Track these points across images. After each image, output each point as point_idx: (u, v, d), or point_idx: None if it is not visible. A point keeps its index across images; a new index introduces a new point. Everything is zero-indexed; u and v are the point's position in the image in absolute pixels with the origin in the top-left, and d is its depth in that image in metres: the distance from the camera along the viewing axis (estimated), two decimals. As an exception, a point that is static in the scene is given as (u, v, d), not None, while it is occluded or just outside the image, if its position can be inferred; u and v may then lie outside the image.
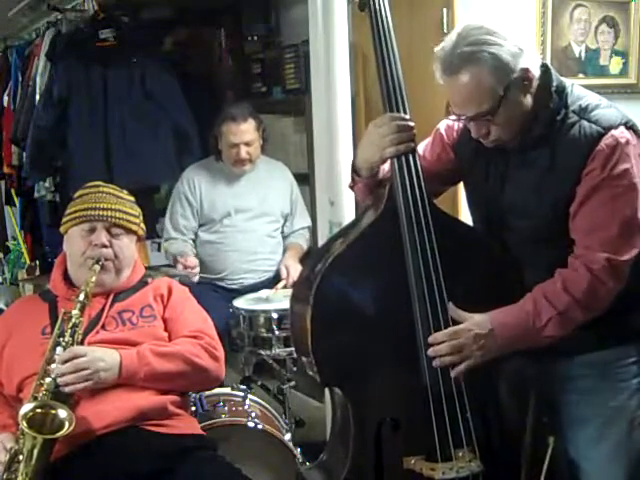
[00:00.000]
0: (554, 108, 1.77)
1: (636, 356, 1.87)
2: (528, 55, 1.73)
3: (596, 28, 3.12)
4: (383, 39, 1.87)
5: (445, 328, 1.79)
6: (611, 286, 1.72)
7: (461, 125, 1.94)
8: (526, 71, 1.72)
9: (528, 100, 1.76)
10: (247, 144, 3.37)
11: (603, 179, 1.70)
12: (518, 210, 1.84)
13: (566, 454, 1.92)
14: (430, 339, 1.79)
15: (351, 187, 2.01)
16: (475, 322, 1.77)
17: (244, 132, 3.36)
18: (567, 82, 1.82)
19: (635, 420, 1.88)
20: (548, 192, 1.77)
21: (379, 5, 1.89)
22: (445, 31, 2.95)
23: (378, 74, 1.88)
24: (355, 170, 1.92)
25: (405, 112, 1.85)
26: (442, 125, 2.04)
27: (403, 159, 1.83)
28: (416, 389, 1.81)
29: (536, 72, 1.75)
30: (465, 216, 2.93)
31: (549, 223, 1.79)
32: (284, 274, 3.33)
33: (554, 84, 1.78)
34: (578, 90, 1.81)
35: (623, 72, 3.21)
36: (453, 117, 1.83)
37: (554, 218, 1.77)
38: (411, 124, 1.83)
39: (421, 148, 2.02)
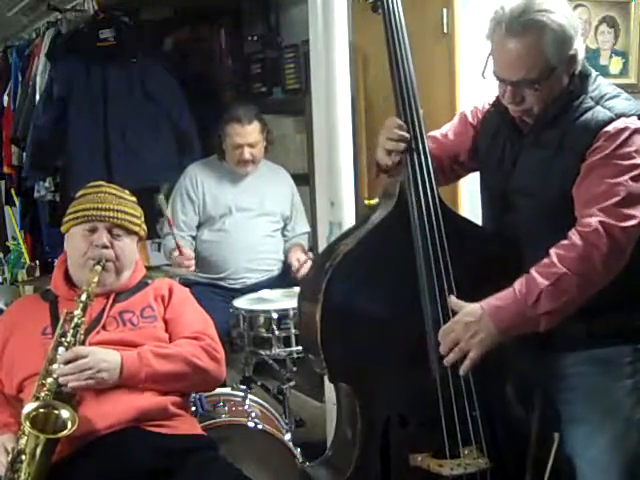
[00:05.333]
0: (573, 91, 1.80)
1: (631, 356, 1.86)
2: (580, 38, 1.78)
3: (596, 28, 3.11)
4: (397, 40, 1.90)
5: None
6: (605, 252, 1.68)
7: (487, 107, 2.00)
8: (577, 51, 1.77)
9: (566, 80, 1.80)
10: (251, 145, 3.39)
11: (606, 156, 1.71)
12: (525, 189, 1.86)
13: (563, 452, 1.91)
14: (439, 338, 1.80)
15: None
16: (466, 311, 1.77)
17: (249, 134, 3.38)
18: (593, 72, 1.85)
19: (631, 419, 1.87)
20: (555, 171, 1.79)
21: (392, 6, 1.91)
22: (445, 31, 2.95)
23: (391, 74, 1.91)
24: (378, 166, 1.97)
25: (417, 111, 1.89)
26: (469, 107, 2.09)
27: (415, 156, 1.87)
28: (425, 386, 1.82)
29: (581, 55, 1.79)
30: (465, 216, 2.93)
31: (555, 203, 1.80)
32: (296, 265, 3.35)
33: (579, 68, 1.81)
34: (602, 80, 1.85)
35: (623, 72, 3.20)
36: (491, 78, 1.84)
37: (560, 198, 1.78)
38: (405, 134, 1.87)
39: (445, 128, 2.10)
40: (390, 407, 1.87)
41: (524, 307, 1.72)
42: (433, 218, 1.84)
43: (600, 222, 1.69)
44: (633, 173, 1.71)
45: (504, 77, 1.79)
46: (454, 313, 1.79)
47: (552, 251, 1.73)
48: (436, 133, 2.11)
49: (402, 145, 1.87)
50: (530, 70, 1.74)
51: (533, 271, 1.74)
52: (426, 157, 1.87)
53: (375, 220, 1.92)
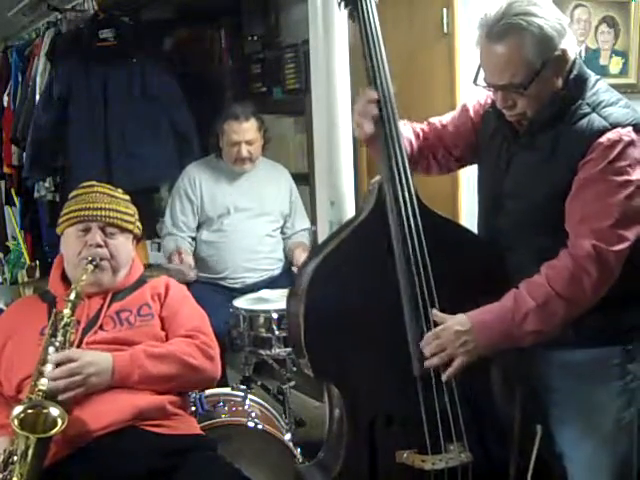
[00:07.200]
0: (567, 95, 1.77)
1: (620, 358, 1.85)
2: (569, 37, 1.75)
3: (596, 28, 3.11)
4: (372, 47, 1.93)
5: (434, 325, 1.81)
6: (596, 277, 1.69)
7: (489, 101, 1.96)
8: (564, 52, 1.74)
9: (559, 82, 1.77)
10: (248, 143, 3.39)
11: (600, 171, 1.69)
12: (516, 193, 1.85)
13: (553, 454, 1.92)
14: (421, 344, 1.81)
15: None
16: (455, 320, 1.78)
17: (246, 131, 3.38)
18: (592, 76, 1.82)
19: (620, 421, 1.86)
20: (546, 177, 1.78)
21: (367, 15, 1.93)
22: (445, 31, 2.95)
23: (367, 81, 1.94)
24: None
25: (395, 120, 1.89)
26: (471, 100, 2.07)
27: (393, 157, 1.87)
28: (407, 384, 1.83)
29: (572, 55, 1.77)
30: (465, 216, 2.94)
31: (543, 208, 1.79)
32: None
33: (575, 72, 1.78)
34: (601, 85, 1.81)
35: (623, 72, 3.20)
36: (482, 85, 1.83)
37: (548, 204, 1.77)
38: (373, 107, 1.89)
39: (445, 118, 2.09)
40: (375, 406, 1.88)
41: (510, 325, 1.74)
42: (412, 220, 1.84)
43: (593, 246, 1.68)
44: (627, 191, 1.69)
45: (491, 82, 1.78)
46: (435, 323, 1.81)
47: (543, 270, 1.74)
48: (435, 120, 2.09)
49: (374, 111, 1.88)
50: (514, 74, 1.72)
51: (522, 289, 1.75)
52: (403, 157, 1.87)
53: (357, 220, 1.93)
